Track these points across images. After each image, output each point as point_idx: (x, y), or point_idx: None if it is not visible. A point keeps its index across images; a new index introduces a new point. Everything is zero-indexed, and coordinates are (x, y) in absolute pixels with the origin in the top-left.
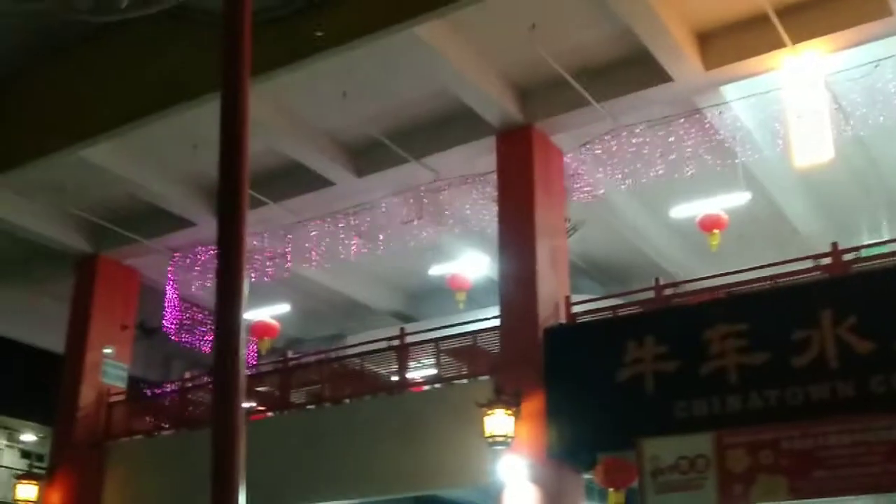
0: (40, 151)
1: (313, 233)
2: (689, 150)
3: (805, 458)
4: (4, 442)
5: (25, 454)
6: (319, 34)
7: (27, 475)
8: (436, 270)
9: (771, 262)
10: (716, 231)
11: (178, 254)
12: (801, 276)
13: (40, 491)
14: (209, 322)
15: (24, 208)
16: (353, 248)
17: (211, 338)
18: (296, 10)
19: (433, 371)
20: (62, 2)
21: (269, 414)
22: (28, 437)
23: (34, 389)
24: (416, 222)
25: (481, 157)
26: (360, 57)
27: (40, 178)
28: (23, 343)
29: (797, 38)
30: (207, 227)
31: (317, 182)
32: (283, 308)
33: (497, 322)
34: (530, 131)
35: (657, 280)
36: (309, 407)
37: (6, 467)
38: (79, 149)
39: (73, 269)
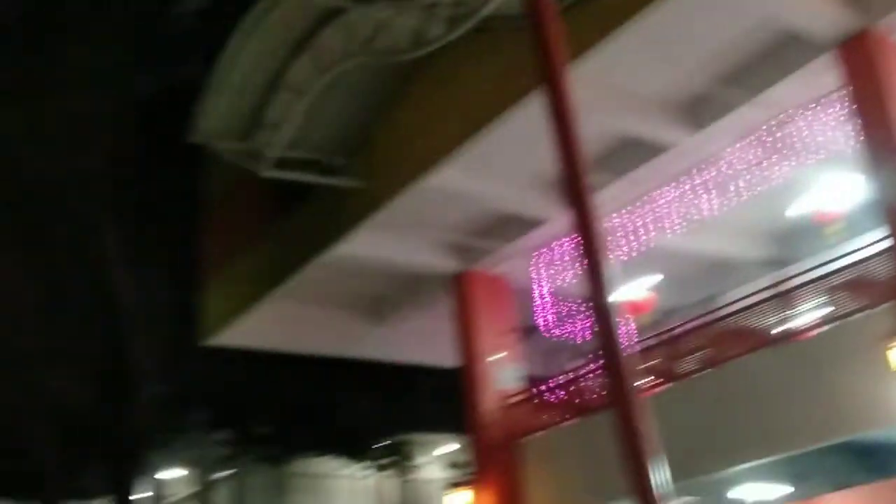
0: (397, 187)
1: (664, 200)
2: None
3: None
4: (427, 458)
5: (450, 465)
6: None
7: (457, 484)
8: (799, 208)
9: None
10: None
11: (539, 252)
12: None
13: (469, 498)
14: (583, 311)
15: (396, 244)
16: (707, 205)
17: (588, 326)
18: None
19: (820, 313)
20: (384, 49)
21: (661, 387)
22: (449, 448)
23: (444, 404)
24: (766, 164)
25: (821, 77)
26: (669, 10)
27: (403, 212)
28: (425, 366)
29: None
30: (560, 220)
31: (655, 148)
32: (654, 280)
33: (883, 245)
34: (870, 35)
35: None
36: (698, 374)
37: (433, 479)
38: (428, 175)
39: (449, 287)
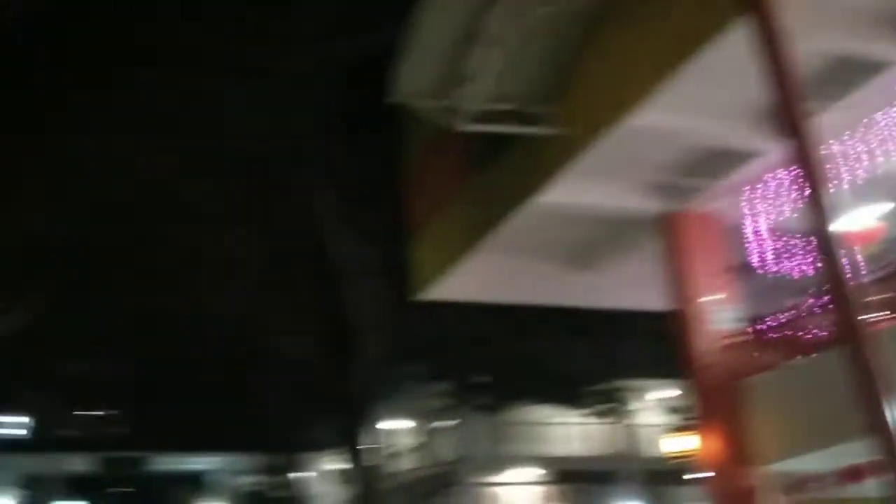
0: (598, 131)
1: (889, 122)
2: None
3: None
4: (642, 403)
5: (670, 410)
6: None
7: (678, 429)
8: None
9: None
10: None
11: (752, 187)
12: None
13: (695, 442)
14: (802, 246)
15: (600, 188)
16: None
17: (808, 260)
18: None
19: None
20: None
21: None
22: (663, 393)
23: (657, 348)
24: None
25: None
26: None
27: (605, 156)
28: (636, 310)
29: None
30: (774, 151)
31: (875, 67)
32: (883, 208)
33: None
34: None
35: None
36: None
37: (650, 425)
38: (629, 116)
39: (657, 229)
